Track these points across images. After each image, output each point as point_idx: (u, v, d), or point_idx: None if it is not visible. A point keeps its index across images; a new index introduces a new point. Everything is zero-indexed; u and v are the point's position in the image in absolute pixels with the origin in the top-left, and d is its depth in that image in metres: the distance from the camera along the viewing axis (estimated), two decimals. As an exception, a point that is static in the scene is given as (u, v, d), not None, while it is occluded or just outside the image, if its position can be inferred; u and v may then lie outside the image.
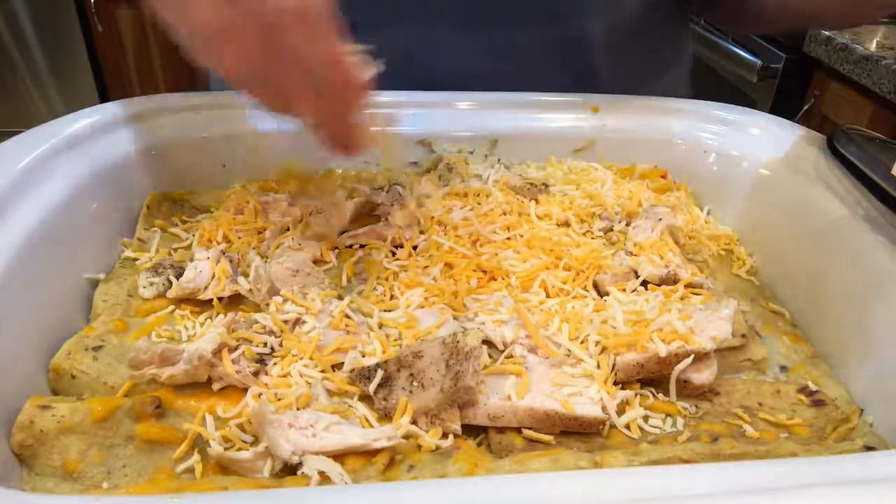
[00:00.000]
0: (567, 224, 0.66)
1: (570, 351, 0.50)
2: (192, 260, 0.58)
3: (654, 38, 0.85)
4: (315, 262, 0.59)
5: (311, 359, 0.49)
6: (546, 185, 0.71)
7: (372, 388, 0.47)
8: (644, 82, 0.85)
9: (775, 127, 0.74)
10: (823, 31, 1.70)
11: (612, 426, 0.47)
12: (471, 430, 0.47)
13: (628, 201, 0.70)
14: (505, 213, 0.66)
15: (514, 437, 0.46)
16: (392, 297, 0.56)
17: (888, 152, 0.60)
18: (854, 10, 0.76)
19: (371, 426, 0.45)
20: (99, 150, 0.64)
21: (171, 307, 0.55)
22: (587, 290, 0.58)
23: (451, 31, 0.78)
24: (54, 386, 0.49)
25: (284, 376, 0.48)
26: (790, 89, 1.85)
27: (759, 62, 1.86)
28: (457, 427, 0.46)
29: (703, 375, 0.50)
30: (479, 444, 0.46)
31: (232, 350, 0.48)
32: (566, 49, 0.80)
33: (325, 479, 0.40)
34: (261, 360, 0.49)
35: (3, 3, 2.71)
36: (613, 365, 0.49)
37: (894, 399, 0.49)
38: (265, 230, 0.63)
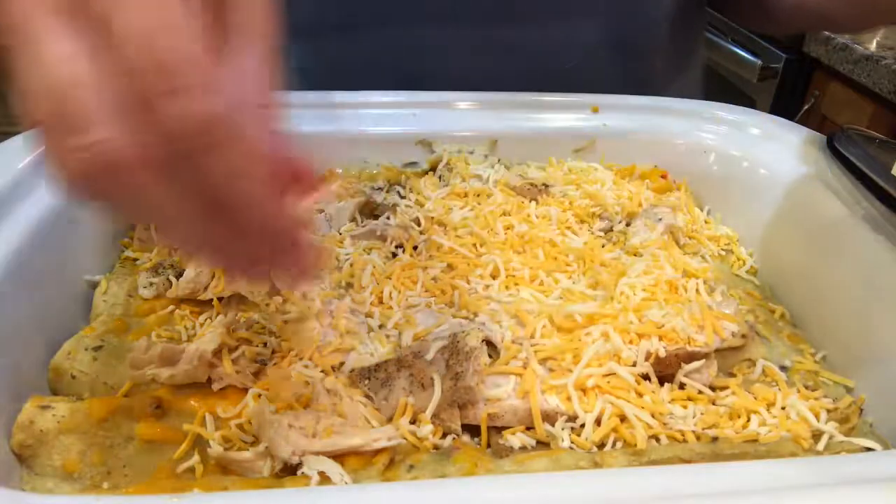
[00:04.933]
0: (567, 225, 0.66)
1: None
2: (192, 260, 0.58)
3: (671, 40, 0.85)
4: (315, 262, 0.59)
5: (310, 359, 0.49)
6: (546, 186, 0.71)
7: (372, 388, 0.47)
8: (657, 86, 0.85)
9: (775, 127, 0.74)
10: (823, 31, 1.70)
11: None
12: (471, 430, 0.47)
13: (628, 201, 0.70)
14: (505, 214, 0.66)
15: (514, 437, 0.46)
16: (392, 297, 0.56)
17: (888, 152, 0.60)
18: (868, 14, 0.76)
19: (371, 426, 0.45)
20: (99, 150, 0.63)
21: (171, 307, 0.55)
22: (587, 290, 0.58)
23: (456, 30, 0.78)
24: (54, 386, 0.49)
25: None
26: (790, 89, 1.85)
27: (759, 62, 1.86)
28: (457, 427, 0.46)
29: (703, 375, 0.50)
30: (478, 444, 0.46)
31: (232, 350, 0.48)
32: (576, 52, 0.80)
33: (325, 479, 0.40)
34: (261, 360, 0.49)
35: (3, 3, 2.71)
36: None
37: (894, 399, 0.49)
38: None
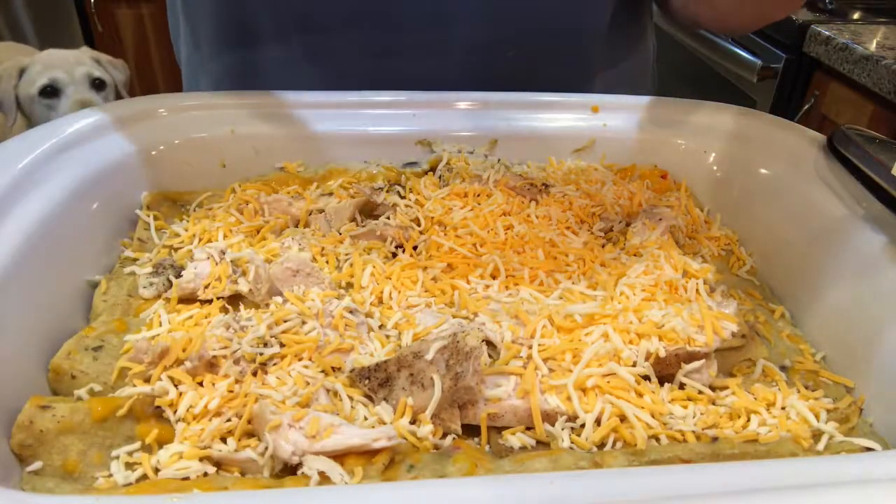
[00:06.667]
0: (567, 225, 0.66)
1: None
2: (191, 260, 0.58)
3: (612, 30, 0.85)
4: (315, 261, 0.59)
5: (310, 359, 0.49)
6: (546, 186, 0.71)
7: (372, 388, 0.47)
8: (599, 74, 0.85)
9: (775, 127, 0.74)
10: (823, 31, 1.70)
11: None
12: (471, 430, 0.47)
13: (628, 202, 0.70)
14: (505, 214, 0.66)
15: (514, 437, 0.46)
16: (392, 297, 0.56)
17: (888, 152, 0.60)
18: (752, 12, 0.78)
19: (371, 426, 0.45)
20: (99, 151, 0.64)
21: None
22: (587, 291, 0.58)
23: (415, 35, 0.77)
24: (54, 386, 0.49)
25: (284, 377, 0.48)
26: (790, 89, 1.85)
27: (759, 62, 1.86)
28: (457, 427, 0.46)
29: (703, 375, 0.51)
30: (479, 444, 0.46)
31: (232, 350, 0.48)
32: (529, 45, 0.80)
33: (325, 479, 0.40)
34: (261, 360, 0.49)
35: (3, 3, 2.71)
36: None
37: (894, 399, 0.49)
38: (265, 230, 0.63)
